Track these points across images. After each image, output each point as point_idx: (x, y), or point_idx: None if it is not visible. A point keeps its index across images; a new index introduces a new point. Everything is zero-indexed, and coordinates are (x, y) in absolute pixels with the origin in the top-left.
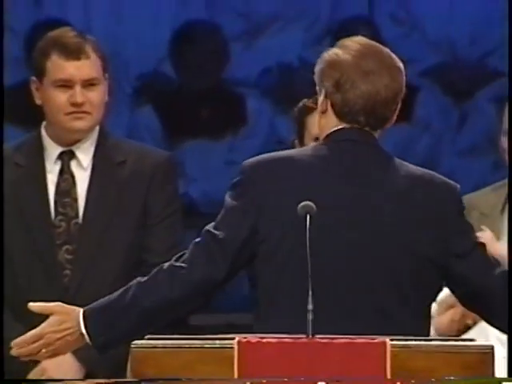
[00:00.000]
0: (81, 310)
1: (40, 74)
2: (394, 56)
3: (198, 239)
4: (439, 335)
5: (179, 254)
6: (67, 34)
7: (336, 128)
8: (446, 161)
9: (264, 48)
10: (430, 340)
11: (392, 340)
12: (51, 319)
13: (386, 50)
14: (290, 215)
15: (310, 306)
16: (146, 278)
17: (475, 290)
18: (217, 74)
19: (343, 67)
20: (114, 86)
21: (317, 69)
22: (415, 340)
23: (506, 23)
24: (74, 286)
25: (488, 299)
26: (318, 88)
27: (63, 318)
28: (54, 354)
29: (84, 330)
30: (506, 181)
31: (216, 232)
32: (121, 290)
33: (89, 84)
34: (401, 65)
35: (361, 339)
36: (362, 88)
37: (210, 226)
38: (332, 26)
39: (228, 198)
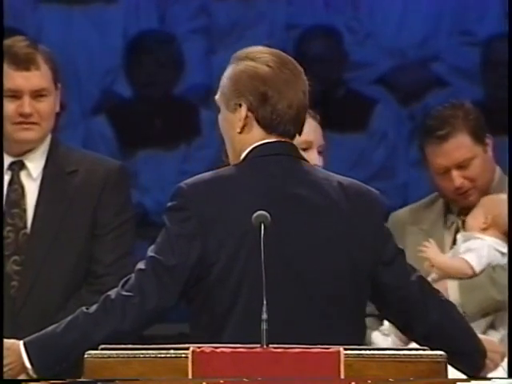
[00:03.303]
0: (20, 344)
1: None
2: (294, 60)
3: (142, 266)
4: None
5: (124, 280)
6: (19, 43)
7: (261, 142)
8: (401, 171)
9: (218, 58)
10: (384, 349)
11: (346, 349)
12: None
13: (287, 55)
14: (237, 232)
15: (265, 316)
16: (93, 309)
17: (398, 297)
18: (171, 84)
19: (267, 79)
20: (69, 95)
21: (232, 83)
22: (369, 349)
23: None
24: (22, 297)
25: (408, 307)
26: (230, 103)
27: (5, 354)
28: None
29: (29, 365)
30: (436, 194)
31: (161, 258)
32: (66, 322)
33: (38, 95)
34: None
35: (315, 349)
36: (288, 97)
37: (153, 252)
38: (288, 39)
39: (169, 222)
